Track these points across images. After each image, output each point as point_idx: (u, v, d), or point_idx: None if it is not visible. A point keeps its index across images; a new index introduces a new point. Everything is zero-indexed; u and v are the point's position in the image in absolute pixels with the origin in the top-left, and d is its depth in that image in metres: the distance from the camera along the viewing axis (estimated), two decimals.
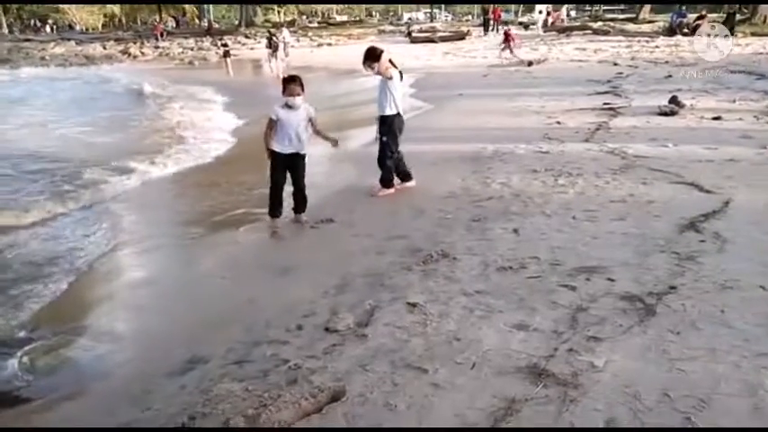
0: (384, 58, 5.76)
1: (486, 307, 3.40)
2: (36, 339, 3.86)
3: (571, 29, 31.99)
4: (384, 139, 6.01)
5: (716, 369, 2.64)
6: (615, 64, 16.85)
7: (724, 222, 4.53)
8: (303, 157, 5.49)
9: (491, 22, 36.02)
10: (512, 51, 20.99)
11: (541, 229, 4.69)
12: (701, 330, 2.98)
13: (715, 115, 8.77)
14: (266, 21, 56.17)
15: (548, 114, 9.84)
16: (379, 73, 5.83)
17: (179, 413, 2.65)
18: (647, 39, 24.69)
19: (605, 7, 52.05)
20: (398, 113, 6.00)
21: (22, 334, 3.97)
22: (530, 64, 18.20)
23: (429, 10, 63.61)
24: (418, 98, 12.52)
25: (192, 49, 36.40)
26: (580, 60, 18.75)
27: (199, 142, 10.69)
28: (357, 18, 65.58)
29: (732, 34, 22.35)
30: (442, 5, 65.68)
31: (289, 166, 5.47)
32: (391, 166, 6.10)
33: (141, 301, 4.44)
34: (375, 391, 2.65)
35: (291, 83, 5.30)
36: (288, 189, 5.56)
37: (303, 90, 5.34)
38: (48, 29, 60.30)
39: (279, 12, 64.71)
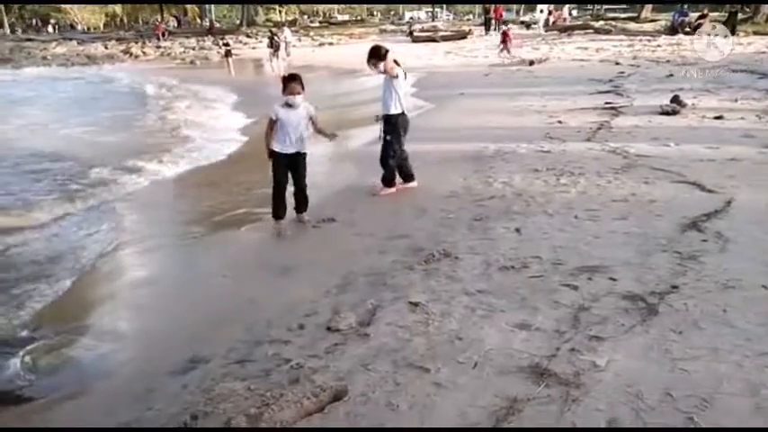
0: (389, 57, 5.77)
1: (488, 306, 3.40)
2: (38, 338, 3.87)
3: (573, 28, 31.95)
4: (388, 138, 6.01)
5: (718, 369, 2.64)
6: (617, 63, 16.82)
7: (726, 222, 4.52)
8: (304, 156, 5.48)
9: (492, 21, 35.96)
10: (508, 52, 21.00)
11: (543, 228, 4.69)
12: (703, 330, 2.97)
13: (717, 114, 8.75)
14: (268, 20, 56.21)
15: (549, 114, 9.83)
16: (384, 72, 5.83)
17: (181, 412, 2.65)
18: (648, 38, 24.63)
19: (607, 6, 51.96)
20: (403, 112, 6.00)
21: (24, 333, 3.99)
22: (531, 63, 18.17)
23: (431, 9, 63.56)
24: (420, 97, 12.50)
25: (193, 49, 36.40)
26: (582, 60, 18.71)
27: (205, 141, 10.73)
28: (358, 17, 65.57)
29: (734, 33, 22.32)
30: (444, 5, 65.59)
31: (290, 165, 5.45)
32: (393, 165, 6.10)
33: (143, 300, 4.44)
34: (377, 391, 2.65)
35: (292, 81, 5.27)
36: (289, 189, 5.55)
37: (303, 89, 5.32)
38: (50, 28, 60.35)
39: (280, 11, 64.72)
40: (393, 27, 46.41)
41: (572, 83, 13.46)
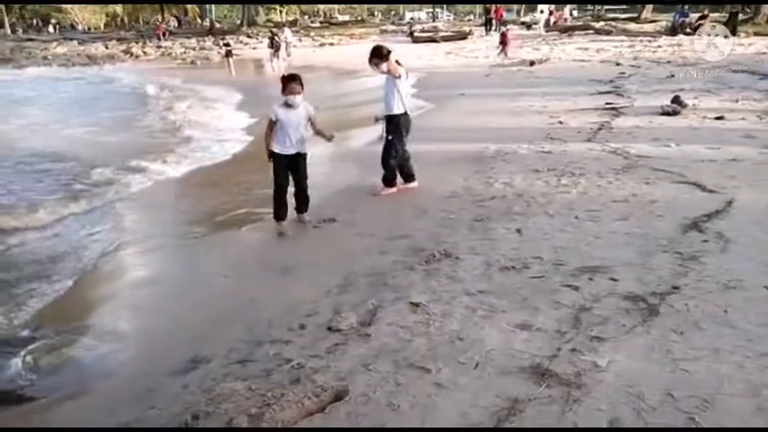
0: (392, 57, 5.77)
1: (488, 307, 3.40)
2: (39, 338, 3.88)
3: (573, 28, 31.94)
4: (390, 137, 6.01)
5: (719, 369, 2.64)
6: (617, 64, 16.82)
7: (727, 222, 4.52)
8: (305, 156, 5.46)
9: (493, 21, 35.96)
10: (506, 54, 21.03)
11: (544, 228, 4.69)
12: (704, 330, 2.97)
13: (718, 115, 8.75)
14: (268, 20, 56.23)
15: (550, 114, 9.83)
16: (388, 72, 5.83)
17: (182, 412, 2.65)
18: (649, 38, 24.62)
19: (607, 7, 51.94)
20: (405, 112, 6.00)
21: (25, 333, 3.99)
22: (532, 64, 18.17)
23: (431, 10, 63.57)
24: (420, 98, 12.50)
25: (194, 49, 36.42)
26: (582, 60, 18.72)
27: (207, 141, 10.74)
28: (359, 18, 65.58)
29: (734, 34, 22.31)
30: (444, 5, 65.60)
31: (291, 167, 5.42)
32: (394, 165, 6.10)
33: (144, 300, 4.44)
34: (378, 391, 2.65)
35: (291, 81, 5.24)
36: (289, 189, 5.54)
37: (303, 88, 5.30)
38: (51, 29, 60.36)
39: (281, 11, 64.72)
40: (394, 27, 46.41)
41: (573, 83, 13.46)
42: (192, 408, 2.65)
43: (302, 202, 5.58)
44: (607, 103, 10.43)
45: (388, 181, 6.17)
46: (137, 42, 40.99)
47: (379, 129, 6.55)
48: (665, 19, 31.17)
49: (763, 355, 2.72)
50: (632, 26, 30.79)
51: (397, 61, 5.86)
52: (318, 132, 5.53)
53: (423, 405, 2.54)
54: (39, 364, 3.59)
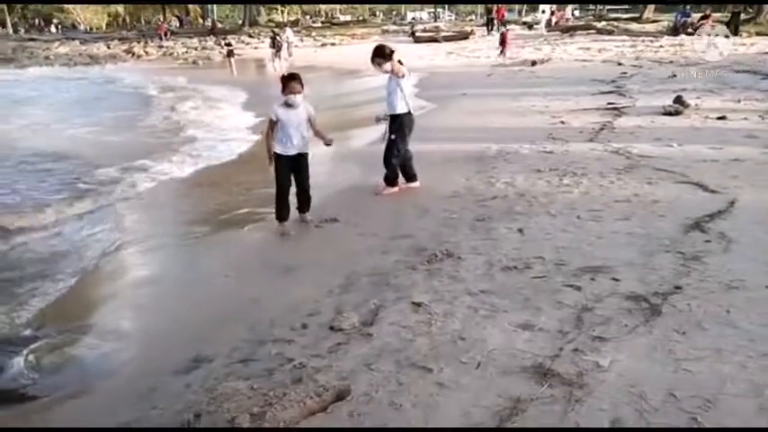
0: (395, 57, 5.77)
1: (490, 306, 3.40)
2: (41, 337, 3.88)
3: (575, 28, 31.92)
4: (393, 137, 6.01)
5: (722, 369, 2.63)
6: (619, 64, 16.80)
7: (729, 222, 4.52)
8: (306, 157, 5.43)
9: (495, 21, 35.94)
10: (504, 54, 21.05)
11: (546, 228, 4.68)
12: (706, 330, 2.97)
13: (720, 115, 8.74)
14: (270, 20, 56.34)
15: (552, 114, 9.83)
16: (392, 71, 5.82)
17: (184, 411, 2.65)
18: (651, 38, 24.60)
19: (609, 7, 51.90)
20: (409, 112, 6.00)
21: (27, 332, 4.00)
22: (533, 63, 18.16)
23: (433, 10, 63.56)
24: (422, 98, 12.50)
25: (195, 49, 36.47)
26: (584, 60, 18.71)
27: (211, 141, 10.77)
28: (361, 18, 65.59)
29: (736, 34, 22.30)
30: (446, 5, 65.58)
31: (293, 167, 5.39)
32: (396, 164, 6.10)
33: (146, 299, 4.45)
34: (380, 390, 2.65)
35: (291, 81, 5.19)
36: (291, 189, 5.54)
37: (303, 88, 5.26)
38: (53, 28, 60.45)
39: (282, 11, 64.76)
40: (395, 27, 46.40)
41: (574, 83, 13.45)
42: (194, 407, 2.65)
43: (304, 202, 5.57)
44: (609, 103, 10.42)
45: (390, 180, 6.17)
46: (138, 42, 41.08)
47: (380, 129, 6.57)
48: (667, 19, 31.13)
49: (766, 355, 2.72)
50: (634, 26, 30.76)
51: (399, 61, 5.85)
52: (318, 134, 5.49)
53: (425, 404, 2.54)
54: (41, 363, 3.59)
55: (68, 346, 3.77)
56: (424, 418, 2.45)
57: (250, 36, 41.65)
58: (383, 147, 6.14)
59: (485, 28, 36.61)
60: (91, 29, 64.31)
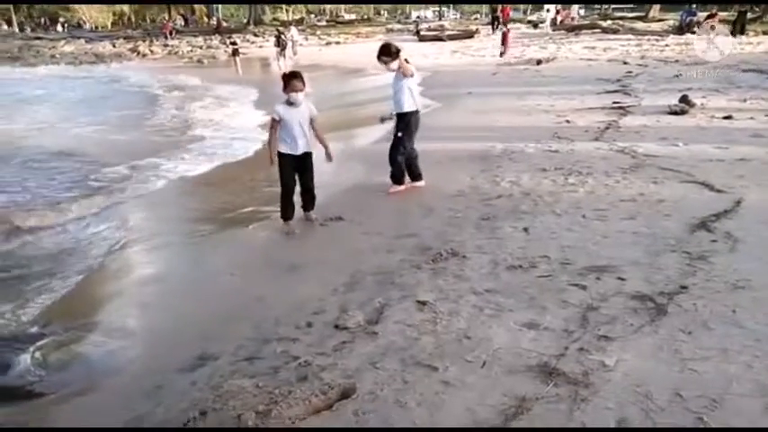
0: (401, 56, 5.77)
1: (496, 305, 3.40)
2: (48, 335, 3.90)
3: (580, 27, 31.83)
4: (399, 134, 6.01)
5: (728, 369, 2.63)
6: (625, 63, 16.75)
7: (735, 222, 4.50)
8: (311, 156, 5.40)
9: (500, 20, 35.87)
10: (502, 55, 21.06)
11: (551, 227, 4.68)
12: (712, 330, 2.96)
13: (726, 114, 8.70)
14: (275, 19, 56.35)
15: (557, 113, 9.81)
16: (399, 70, 5.82)
17: (190, 408, 2.66)
18: (656, 37, 24.52)
19: (614, 6, 51.71)
20: (417, 110, 6.00)
21: (34, 329, 4.02)
22: (539, 62, 18.12)
23: (437, 8, 63.47)
24: (426, 96, 12.48)
25: (200, 48, 36.50)
26: (589, 59, 18.65)
27: (219, 140, 10.79)
28: (365, 16, 65.55)
29: (743, 33, 22.23)
30: (451, 4, 65.49)
31: (298, 167, 5.36)
32: (402, 162, 6.09)
33: (151, 297, 4.46)
34: (385, 389, 2.65)
35: (293, 79, 5.16)
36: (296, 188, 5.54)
37: (304, 86, 5.23)
38: (59, 27, 60.65)
39: (287, 10, 64.78)
40: (400, 26, 46.35)
41: (580, 82, 13.42)
42: (199, 404, 2.66)
43: (309, 201, 5.57)
44: (614, 102, 10.39)
45: (397, 178, 6.17)
46: (144, 41, 41.14)
47: (384, 129, 6.57)
48: (673, 18, 31.01)
49: None
50: (640, 25, 30.65)
51: (405, 60, 5.85)
52: (319, 138, 5.43)
53: (430, 403, 2.54)
54: (48, 361, 3.61)
55: (75, 343, 3.78)
56: (430, 417, 2.46)
57: (255, 35, 41.65)
58: (389, 145, 6.15)
59: (490, 27, 36.52)
60: (96, 28, 64.50)
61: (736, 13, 25.79)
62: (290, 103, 5.20)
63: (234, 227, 5.83)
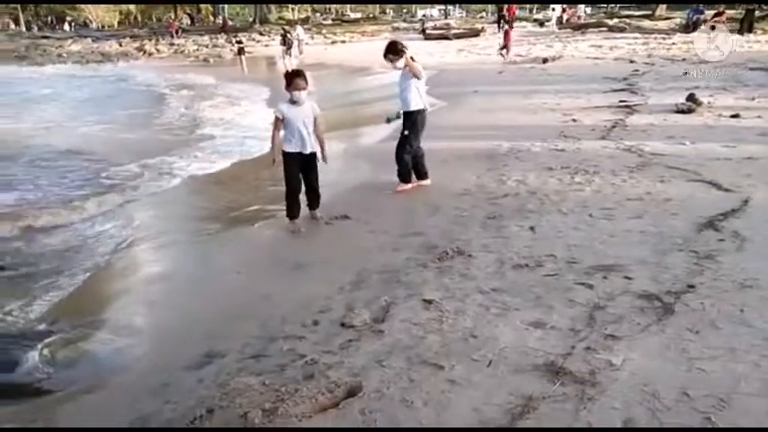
0: (407, 54, 5.76)
1: (502, 304, 3.39)
2: (56, 332, 3.92)
3: (586, 26, 31.74)
4: (406, 133, 6.00)
5: (736, 368, 2.61)
6: (631, 61, 16.69)
7: (743, 221, 4.48)
8: (315, 156, 5.36)
9: (506, 18, 35.78)
10: (501, 52, 21.01)
11: (558, 226, 4.67)
12: (720, 329, 2.95)
13: (733, 113, 8.66)
14: (280, 18, 56.37)
15: (563, 112, 9.79)
16: (406, 69, 5.81)
17: (197, 406, 2.67)
18: (663, 36, 24.41)
19: (621, 4, 51.47)
20: (424, 109, 6.00)
21: (42, 327, 4.04)
22: (545, 61, 18.08)
23: (443, 7, 63.36)
24: (432, 95, 12.43)
25: (206, 47, 36.60)
26: (596, 58, 18.59)
27: (229, 138, 10.82)
28: (371, 15, 65.49)
29: (751, 31, 22.10)
30: (456, 3, 65.34)
31: (302, 167, 5.33)
32: (408, 161, 6.09)
33: (158, 295, 4.48)
34: (392, 387, 2.65)
35: (296, 77, 5.13)
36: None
37: (307, 84, 5.20)
38: (66, 26, 60.90)
39: (293, 9, 64.81)
40: (405, 25, 46.30)
41: (586, 81, 13.38)
42: (206, 402, 2.67)
43: (314, 200, 5.57)
44: (621, 101, 10.36)
45: (403, 177, 6.16)
46: (150, 40, 41.27)
47: (390, 128, 6.56)
48: (680, 16, 30.85)
49: None
50: (646, 23, 30.52)
51: (411, 57, 5.84)
52: (319, 139, 5.37)
53: (436, 402, 2.54)
54: (55, 358, 3.63)
55: (82, 340, 3.80)
56: (436, 416, 2.45)
57: (261, 34, 41.70)
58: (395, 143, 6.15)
59: (496, 25, 36.43)
60: (103, 27, 64.77)
61: (743, 12, 25.61)
62: (293, 102, 5.19)
63: (240, 225, 5.85)
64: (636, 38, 24.35)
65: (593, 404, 2.43)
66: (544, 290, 3.54)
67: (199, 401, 2.72)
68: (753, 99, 9.86)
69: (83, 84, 22.23)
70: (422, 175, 6.27)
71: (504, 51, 20.99)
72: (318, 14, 65.26)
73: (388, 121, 6.49)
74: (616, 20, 33.12)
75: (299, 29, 30.26)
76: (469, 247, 4.35)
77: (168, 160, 9.01)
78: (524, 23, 36.43)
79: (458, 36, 31.67)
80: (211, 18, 62.10)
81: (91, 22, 67.32)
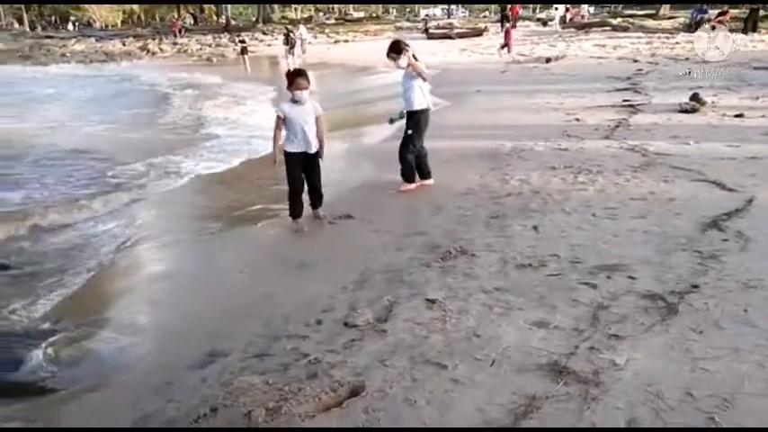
0: (409, 53, 5.75)
1: (505, 304, 3.39)
2: (60, 331, 3.93)
3: (590, 25, 31.72)
4: (410, 132, 6.00)
5: (739, 368, 2.61)
6: (635, 61, 16.67)
7: (747, 221, 4.46)
8: (318, 155, 5.34)
9: (509, 18, 35.74)
10: (500, 51, 21.02)
11: (561, 226, 4.66)
12: (723, 329, 2.94)
13: (737, 112, 8.63)
14: (283, 17, 56.44)
15: (567, 111, 9.77)
16: (408, 68, 5.81)
17: (200, 405, 2.67)
18: (667, 35, 24.37)
19: (624, 4, 51.36)
20: (427, 108, 6.00)
21: (46, 325, 4.06)
22: (548, 60, 18.06)
23: (446, 6, 63.33)
24: (435, 94, 12.32)
25: (209, 46, 36.67)
26: (599, 57, 18.56)
27: (239, 138, 10.82)
28: (374, 15, 65.48)
29: (755, 31, 22.04)
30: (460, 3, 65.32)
31: (305, 167, 5.33)
32: (412, 160, 6.08)
33: (161, 294, 4.48)
34: (395, 386, 2.65)
35: (297, 76, 5.11)
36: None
37: (309, 84, 5.18)
38: (70, 26, 61.05)
39: (296, 8, 64.84)
40: (408, 24, 46.34)
41: (589, 80, 13.36)
42: (210, 401, 2.68)
43: (316, 199, 5.56)
44: (624, 101, 10.34)
45: (407, 177, 6.15)
46: (153, 39, 41.38)
47: (393, 128, 6.53)
48: (684, 15, 30.79)
49: None
50: (650, 23, 30.47)
51: (413, 56, 5.83)
52: (319, 137, 5.32)
53: (439, 401, 2.54)
54: (59, 356, 3.64)
55: (86, 339, 3.81)
56: (439, 415, 2.45)
57: (264, 33, 41.77)
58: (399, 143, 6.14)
59: (499, 25, 36.39)
60: (106, 26, 64.92)
61: (747, 11, 25.54)
62: (294, 101, 5.17)
63: (243, 225, 5.86)
64: (639, 37, 24.31)
65: (597, 404, 2.43)
66: (547, 289, 3.54)
67: (202, 400, 2.73)
68: (757, 98, 9.82)
69: (86, 83, 22.29)
70: (425, 174, 6.26)
71: (505, 50, 21.00)
72: (321, 14, 65.28)
73: (391, 121, 6.48)
74: (619, 19, 33.08)
75: (302, 28, 30.26)
76: (472, 247, 4.34)
77: (174, 159, 9.05)
78: (527, 23, 36.41)
79: (461, 35, 31.69)
80: (214, 17, 62.20)
81: (94, 21, 67.47)
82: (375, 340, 3.11)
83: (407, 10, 73.85)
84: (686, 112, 8.96)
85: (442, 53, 23.32)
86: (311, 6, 66.33)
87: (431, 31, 34.56)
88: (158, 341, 3.73)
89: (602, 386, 2.53)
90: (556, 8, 36.96)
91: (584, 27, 31.08)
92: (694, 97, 9.43)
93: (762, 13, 25.85)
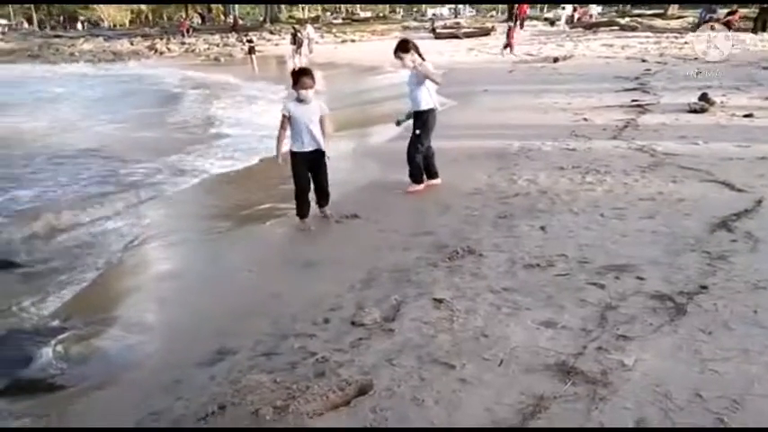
0: (412, 51, 5.74)
1: (513, 304, 3.39)
2: (69, 329, 3.96)
3: (598, 25, 31.59)
4: (417, 132, 5.99)
5: (749, 369, 2.59)
6: (643, 60, 16.59)
7: (756, 222, 4.44)
8: (324, 154, 5.34)
9: (516, 17, 35.67)
10: (503, 50, 20.99)
11: (569, 226, 4.65)
12: (733, 330, 2.93)
13: (746, 112, 8.58)
14: (290, 17, 56.49)
15: (574, 111, 9.74)
16: (414, 68, 5.80)
17: (208, 403, 2.68)
18: (675, 35, 24.25)
19: (632, 3, 51.14)
20: (434, 108, 5.99)
21: (55, 323, 4.08)
22: (556, 60, 18.01)
23: (453, 6, 63.24)
24: (442, 94, 12.34)
25: (217, 46, 36.78)
26: (607, 57, 18.48)
27: (252, 137, 10.85)
28: (381, 14, 65.46)
29: (764, 30, 21.90)
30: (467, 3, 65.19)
31: (311, 167, 5.32)
32: (420, 161, 6.07)
33: (170, 293, 4.50)
34: (402, 386, 2.65)
35: (302, 75, 5.10)
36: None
37: (314, 83, 5.17)
38: (79, 26, 61.39)
39: (303, 8, 64.93)
40: (416, 24, 46.28)
41: (597, 80, 13.31)
42: (218, 399, 2.68)
43: (323, 197, 5.57)
44: (633, 101, 10.30)
45: (415, 177, 6.14)
46: (161, 39, 41.52)
47: (399, 128, 6.53)
48: (692, 15, 30.63)
49: None
50: (658, 22, 30.33)
51: (420, 55, 5.81)
52: (324, 138, 5.30)
53: (447, 401, 2.54)
54: (69, 354, 3.66)
55: (95, 337, 3.83)
56: (447, 415, 2.45)
57: (271, 33, 41.85)
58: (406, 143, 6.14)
59: (506, 24, 36.32)
60: (114, 26, 65.26)
61: (757, 11, 25.39)
62: (300, 100, 5.16)
63: (251, 224, 5.88)
64: (648, 37, 24.20)
65: (605, 404, 2.42)
66: (555, 289, 3.53)
67: (210, 398, 2.74)
68: (766, 98, 9.76)
69: (95, 83, 22.40)
70: (432, 174, 6.26)
71: (507, 50, 20.96)
72: (329, 13, 65.39)
73: (398, 123, 6.49)
74: (627, 19, 32.93)
75: (310, 28, 30.31)
76: (480, 247, 4.34)
77: (185, 159, 9.09)
78: (535, 22, 36.30)
79: (468, 35, 31.63)
80: (222, 17, 62.35)
81: (103, 21, 67.81)
82: (382, 339, 3.11)
83: (414, 9, 73.78)
84: (695, 112, 8.92)
85: (450, 53, 23.29)
86: (318, 6, 66.43)
87: (438, 30, 34.50)
88: (166, 339, 3.76)
89: (611, 386, 2.53)
90: (563, 7, 36.81)
91: (592, 27, 30.97)
92: (703, 97, 9.39)
93: None
